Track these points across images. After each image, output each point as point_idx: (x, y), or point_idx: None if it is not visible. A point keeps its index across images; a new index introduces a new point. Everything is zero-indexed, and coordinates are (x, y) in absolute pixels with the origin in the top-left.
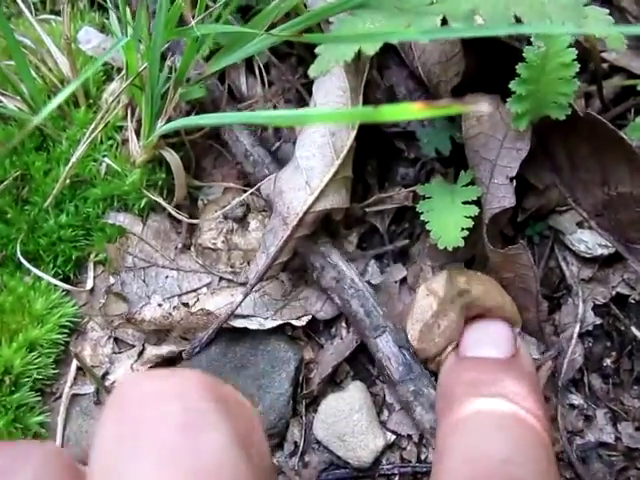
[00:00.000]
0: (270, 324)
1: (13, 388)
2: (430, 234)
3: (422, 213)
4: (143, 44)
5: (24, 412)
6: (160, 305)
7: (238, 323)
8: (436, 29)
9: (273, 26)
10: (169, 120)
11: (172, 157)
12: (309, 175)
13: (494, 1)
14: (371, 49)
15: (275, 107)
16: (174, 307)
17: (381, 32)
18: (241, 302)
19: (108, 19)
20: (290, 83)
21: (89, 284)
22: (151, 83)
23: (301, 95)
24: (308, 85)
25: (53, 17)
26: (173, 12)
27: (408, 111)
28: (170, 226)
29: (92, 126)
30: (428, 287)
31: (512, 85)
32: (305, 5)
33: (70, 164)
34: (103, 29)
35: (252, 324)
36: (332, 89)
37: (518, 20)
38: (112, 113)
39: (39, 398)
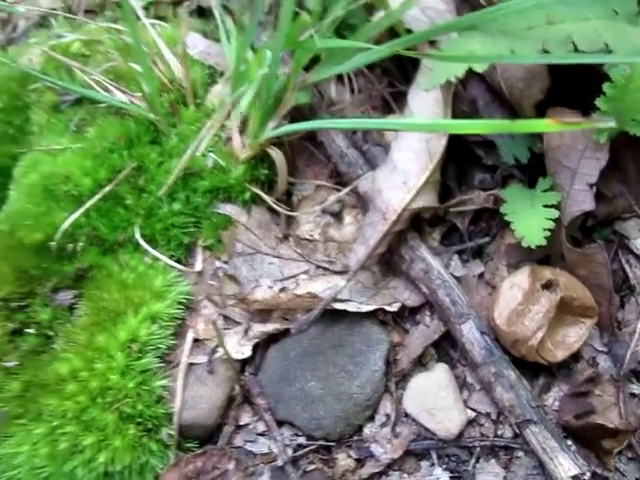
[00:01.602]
0: (366, 308)
1: (140, 355)
2: (514, 233)
3: (506, 215)
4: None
5: (149, 376)
6: (270, 287)
7: (339, 306)
8: (538, 55)
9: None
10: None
11: (277, 155)
12: (406, 176)
13: (586, 29)
14: (480, 68)
15: (363, 113)
16: (281, 290)
17: (491, 55)
18: (344, 287)
19: (209, 26)
20: (377, 91)
21: (198, 266)
22: (268, 88)
23: (386, 102)
24: (394, 94)
25: (158, 22)
26: (295, 26)
27: (540, 126)
28: (270, 218)
29: (209, 125)
30: (512, 280)
31: (598, 102)
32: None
33: (185, 158)
34: (205, 35)
35: (350, 307)
36: (427, 99)
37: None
38: (219, 113)
39: (161, 365)
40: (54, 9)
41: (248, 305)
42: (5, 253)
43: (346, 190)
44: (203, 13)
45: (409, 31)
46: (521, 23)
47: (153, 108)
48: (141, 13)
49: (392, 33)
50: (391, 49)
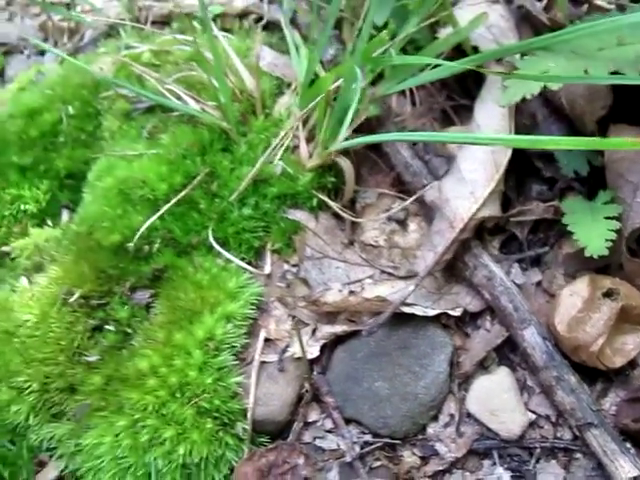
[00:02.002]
0: (432, 312)
1: (216, 352)
2: (576, 244)
3: (568, 225)
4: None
5: (225, 373)
6: (340, 291)
7: (407, 309)
8: (613, 77)
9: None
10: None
11: (346, 165)
12: (473, 186)
13: None
14: (555, 87)
15: (424, 125)
16: (350, 293)
17: (567, 75)
18: (412, 291)
19: (273, 37)
20: (438, 104)
21: (267, 269)
22: (343, 100)
23: (446, 114)
24: (454, 107)
25: (225, 34)
26: (373, 43)
27: (626, 143)
28: (335, 224)
29: (282, 134)
30: (572, 288)
31: None
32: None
33: (257, 166)
34: (270, 46)
35: (417, 311)
36: (494, 113)
37: None
38: (288, 123)
39: (236, 362)
40: (122, 19)
41: (319, 307)
42: (84, 253)
43: (412, 199)
44: (267, 25)
45: (475, 48)
46: (593, 44)
47: (226, 117)
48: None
49: (456, 50)
50: (464, 66)
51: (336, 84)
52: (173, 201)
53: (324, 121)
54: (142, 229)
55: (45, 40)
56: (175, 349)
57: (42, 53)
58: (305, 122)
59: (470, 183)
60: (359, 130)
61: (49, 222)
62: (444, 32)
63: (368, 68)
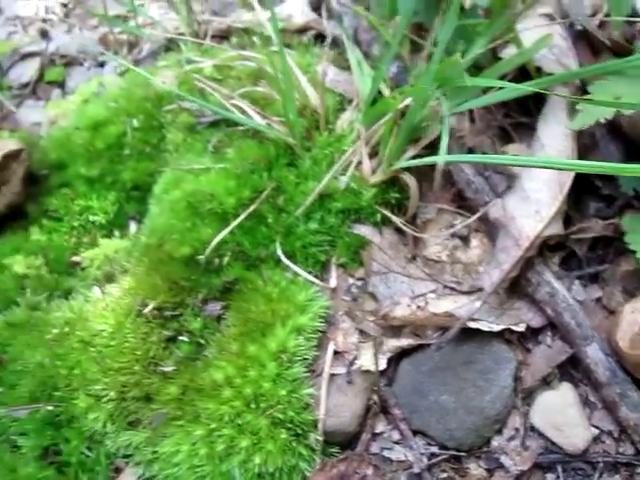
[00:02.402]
0: (497, 327)
1: (289, 364)
2: (638, 262)
3: (630, 244)
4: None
5: (298, 385)
6: (408, 306)
7: (473, 324)
8: None
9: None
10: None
11: (412, 182)
12: (539, 205)
13: None
14: (628, 112)
15: (482, 142)
16: (418, 308)
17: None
18: (479, 307)
19: (332, 53)
20: (496, 121)
21: (332, 283)
22: (411, 119)
23: (505, 132)
24: (513, 124)
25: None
26: (447, 65)
27: None
28: (398, 238)
29: (347, 150)
30: (634, 306)
31: None
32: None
33: (323, 182)
34: (330, 62)
35: (483, 326)
36: (558, 133)
37: None
38: (349, 138)
39: (307, 374)
40: (182, 33)
41: (387, 321)
42: (156, 265)
43: (476, 216)
44: (324, 40)
45: (539, 69)
46: None
47: (292, 133)
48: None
49: (519, 69)
50: (533, 89)
51: (404, 103)
52: (243, 215)
53: (389, 139)
54: (214, 243)
55: (104, 53)
56: (249, 361)
57: (101, 65)
58: (371, 139)
59: (535, 202)
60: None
61: (117, 233)
62: (506, 52)
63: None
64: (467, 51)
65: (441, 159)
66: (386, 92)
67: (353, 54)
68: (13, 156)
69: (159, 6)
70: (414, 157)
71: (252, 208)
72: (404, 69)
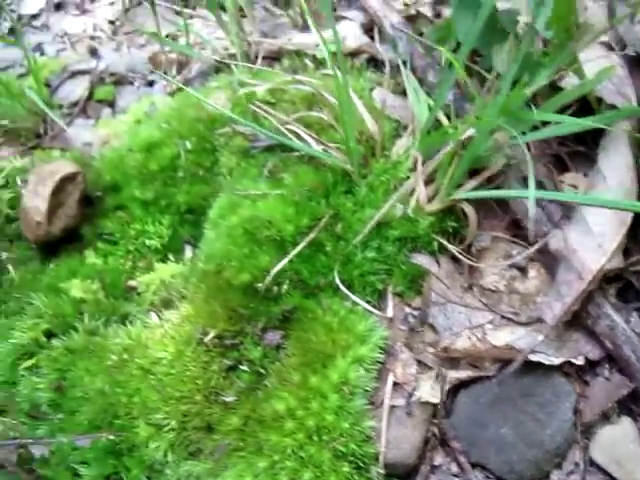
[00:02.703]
0: (557, 361)
1: (351, 396)
2: None
3: None
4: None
5: (359, 417)
6: (469, 338)
7: (533, 357)
8: None
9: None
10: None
11: (471, 212)
12: (602, 239)
13: None
14: None
15: (538, 169)
16: (478, 339)
17: None
18: (541, 341)
19: (384, 78)
20: (552, 149)
21: (389, 312)
22: (475, 149)
23: (560, 159)
24: (570, 153)
25: (332, 72)
26: (514, 97)
27: None
28: (453, 267)
29: (410, 181)
30: None
31: None
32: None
33: (382, 210)
34: (379, 85)
35: (543, 359)
36: (619, 165)
37: None
38: (404, 165)
39: (369, 406)
40: (232, 54)
41: (448, 354)
42: (215, 292)
43: (536, 247)
44: (376, 65)
45: (599, 99)
46: None
47: (351, 159)
48: (312, 64)
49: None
50: (598, 124)
51: (467, 134)
52: (303, 243)
53: (449, 168)
54: (274, 271)
55: (153, 72)
56: (311, 392)
57: (151, 84)
58: (425, 166)
59: (598, 235)
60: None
61: (172, 257)
62: (567, 82)
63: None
64: (530, 82)
65: (531, 195)
66: (443, 119)
67: (409, 80)
68: (69, 179)
69: (206, 25)
70: (476, 188)
71: (311, 236)
72: (461, 96)
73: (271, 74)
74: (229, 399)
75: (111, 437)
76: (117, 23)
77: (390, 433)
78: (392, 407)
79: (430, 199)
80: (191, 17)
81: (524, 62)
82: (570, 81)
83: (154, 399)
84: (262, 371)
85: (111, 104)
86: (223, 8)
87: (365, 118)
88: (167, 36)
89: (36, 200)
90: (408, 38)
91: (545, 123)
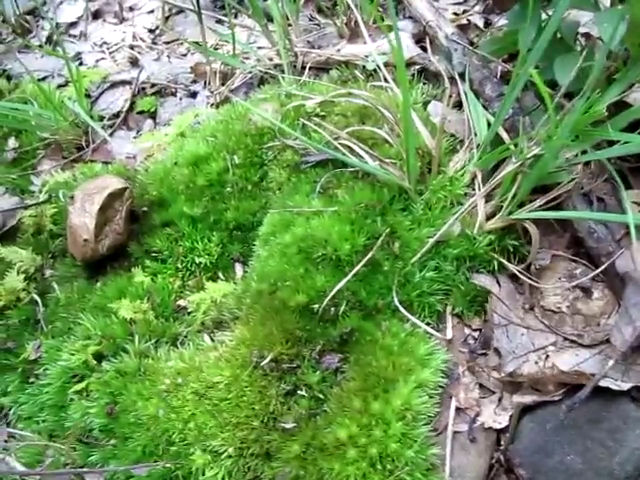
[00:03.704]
0: (626, 386)
1: (414, 423)
2: None
3: None
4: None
5: (424, 445)
6: (536, 363)
7: (603, 383)
8: None
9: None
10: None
11: (534, 231)
12: None
13: None
14: None
15: (598, 186)
16: (546, 365)
17: None
18: (612, 366)
19: (437, 89)
20: (612, 164)
21: (449, 334)
22: (542, 169)
23: (620, 173)
24: (631, 168)
25: (385, 84)
26: (588, 117)
27: None
28: (513, 287)
29: (471, 201)
30: None
31: None
32: None
33: (442, 229)
34: (434, 98)
35: (611, 384)
36: None
37: None
38: (462, 182)
39: (432, 433)
40: (278, 65)
41: (514, 379)
42: (270, 314)
43: (602, 268)
44: (427, 76)
45: None
46: None
47: (408, 176)
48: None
49: None
50: None
51: (533, 152)
52: (361, 263)
53: (511, 186)
54: (332, 292)
55: (195, 82)
56: (373, 418)
57: (193, 95)
58: (487, 185)
59: None
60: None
61: (221, 275)
62: (633, 98)
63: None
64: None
65: (630, 219)
66: (504, 135)
67: (466, 93)
68: (117, 195)
69: (249, 34)
70: (540, 207)
71: (369, 256)
72: (519, 110)
73: (319, 86)
74: (289, 425)
75: (167, 465)
76: (156, 32)
77: (454, 461)
78: (455, 433)
79: (489, 217)
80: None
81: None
82: (636, 97)
83: (210, 425)
84: (321, 396)
85: (153, 115)
86: (268, 17)
87: (422, 133)
88: (202, 45)
89: (83, 217)
90: (463, 50)
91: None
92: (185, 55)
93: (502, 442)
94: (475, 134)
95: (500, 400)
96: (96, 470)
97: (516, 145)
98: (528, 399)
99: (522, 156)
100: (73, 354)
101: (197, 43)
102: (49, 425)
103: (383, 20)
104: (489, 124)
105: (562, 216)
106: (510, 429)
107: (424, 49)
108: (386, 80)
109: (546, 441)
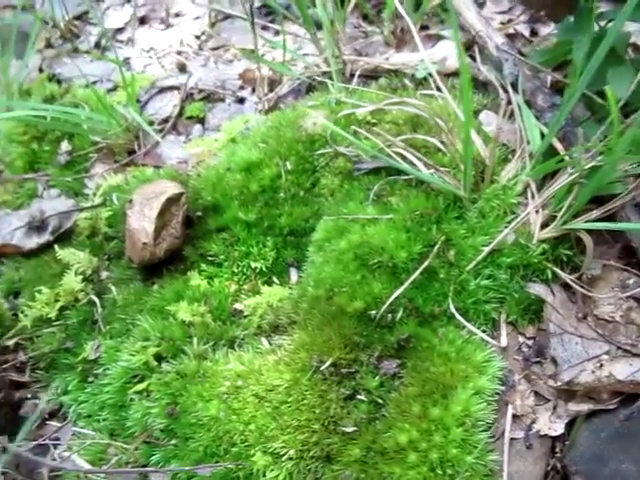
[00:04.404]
0: None
1: (474, 430)
2: None
3: None
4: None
5: (483, 451)
6: (593, 372)
7: None
8: None
9: None
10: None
11: (589, 240)
12: None
13: None
14: None
15: None
16: (603, 374)
17: None
18: None
19: (487, 98)
20: None
21: (503, 341)
22: (600, 180)
23: None
24: None
25: (435, 93)
26: None
27: None
28: (566, 296)
29: (528, 209)
30: None
31: None
32: None
33: (498, 238)
34: (484, 108)
35: None
36: None
37: None
38: (514, 191)
39: (491, 439)
40: (325, 72)
41: (570, 387)
42: (328, 319)
43: None
44: (476, 86)
45: None
46: None
47: (465, 184)
48: (411, 84)
49: None
50: None
51: (591, 163)
52: (419, 271)
53: (566, 196)
54: (390, 299)
55: (242, 88)
56: (432, 424)
57: (241, 101)
58: (542, 195)
59: None
60: None
61: (276, 280)
62: None
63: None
64: None
65: (626, 227)
66: (558, 145)
67: (519, 104)
68: (174, 200)
69: (295, 41)
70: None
71: (426, 263)
72: (571, 120)
73: (368, 93)
74: (349, 429)
75: (229, 466)
76: (202, 38)
77: (511, 467)
78: (511, 440)
79: (542, 226)
80: (277, 33)
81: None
82: None
83: (271, 427)
84: (380, 401)
85: (201, 121)
86: (316, 25)
87: (476, 142)
88: (254, 52)
89: (142, 222)
90: (514, 60)
91: None
92: (232, 61)
93: (557, 449)
94: (528, 143)
95: (555, 408)
96: (161, 470)
97: (570, 156)
98: (584, 407)
99: (579, 167)
100: (133, 355)
101: (251, 51)
102: (109, 424)
103: (428, 28)
104: (542, 134)
105: (619, 227)
106: (566, 437)
107: (473, 58)
108: (438, 89)
109: (601, 449)
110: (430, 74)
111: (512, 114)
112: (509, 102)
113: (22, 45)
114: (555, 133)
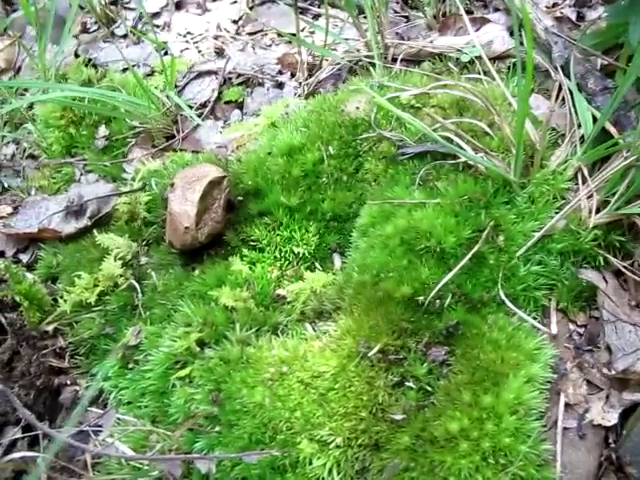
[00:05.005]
0: None
1: (527, 418)
2: None
3: None
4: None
5: (536, 440)
6: None
7: None
8: None
9: None
10: None
11: None
12: None
13: None
14: None
15: None
16: None
17: None
18: None
19: (534, 82)
20: None
21: (553, 329)
22: None
23: None
24: None
25: (481, 77)
26: None
27: None
28: (618, 283)
29: (581, 193)
30: None
31: None
32: None
33: (550, 223)
34: (532, 91)
35: None
36: None
37: None
38: (565, 176)
39: (543, 428)
40: (367, 56)
41: (626, 375)
42: (374, 305)
43: None
44: (523, 69)
45: None
46: None
47: (515, 168)
48: (456, 68)
49: None
50: None
51: None
52: (468, 256)
53: (620, 182)
54: (439, 285)
55: (281, 73)
56: (484, 412)
57: (279, 85)
58: (594, 180)
59: None
60: None
61: (319, 265)
62: None
63: None
64: None
65: None
66: (612, 129)
67: (570, 88)
68: (216, 183)
69: (334, 25)
70: None
71: (475, 249)
72: (624, 104)
73: (412, 77)
74: (398, 417)
75: (275, 453)
76: (240, 22)
77: (564, 457)
78: (564, 429)
79: (594, 211)
80: (316, 17)
81: None
82: None
83: (317, 414)
84: (428, 388)
85: (240, 106)
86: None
87: (526, 126)
88: (294, 35)
89: (184, 205)
90: (564, 43)
91: None
92: (270, 46)
93: (610, 440)
94: (578, 127)
95: (608, 397)
96: (207, 457)
97: (624, 140)
98: (638, 397)
99: (637, 151)
100: (175, 340)
101: (293, 34)
102: (150, 411)
103: (472, 13)
104: (594, 118)
105: None
106: (620, 427)
107: (520, 42)
108: (484, 72)
109: None
110: (477, 57)
111: (561, 98)
112: (559, 86)
113: (58, 30)
114: (608, 117)
